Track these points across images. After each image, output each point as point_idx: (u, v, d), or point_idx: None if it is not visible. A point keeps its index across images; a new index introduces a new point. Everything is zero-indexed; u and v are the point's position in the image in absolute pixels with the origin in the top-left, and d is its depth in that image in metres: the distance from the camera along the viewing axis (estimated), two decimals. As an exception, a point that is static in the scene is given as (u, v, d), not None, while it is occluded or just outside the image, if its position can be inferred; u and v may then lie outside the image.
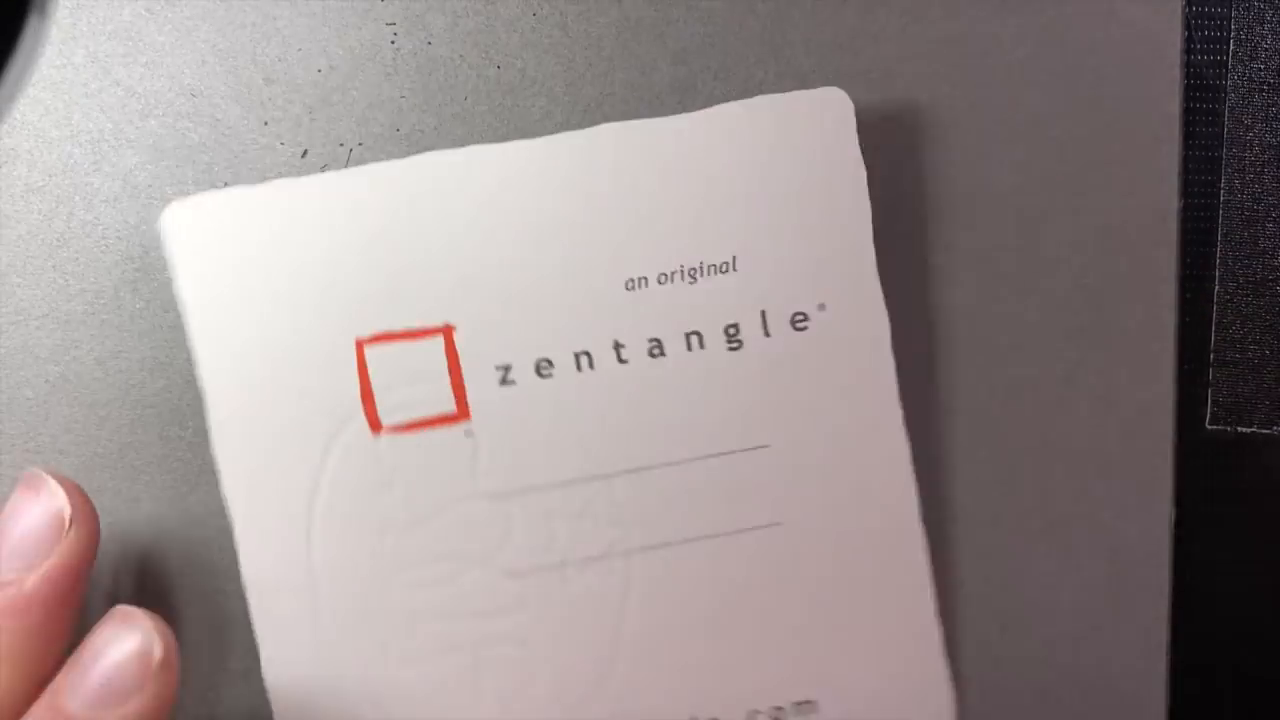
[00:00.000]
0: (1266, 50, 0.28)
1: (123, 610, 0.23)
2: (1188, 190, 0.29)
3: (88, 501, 0.24)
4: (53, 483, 0.24)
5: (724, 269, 0.26)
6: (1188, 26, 0.28)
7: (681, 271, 0.26)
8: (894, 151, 0.28)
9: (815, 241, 0.26)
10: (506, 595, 0.26)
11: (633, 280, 0.26)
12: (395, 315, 0.25)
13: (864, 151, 0.28)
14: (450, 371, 0.26)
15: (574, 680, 0.26)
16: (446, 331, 0.26)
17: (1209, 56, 0.29)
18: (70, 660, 0.23)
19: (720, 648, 0.27)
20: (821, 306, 0.26)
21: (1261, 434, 0.29)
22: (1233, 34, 0.28)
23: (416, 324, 0.26)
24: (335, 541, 0.26)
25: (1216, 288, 0.29)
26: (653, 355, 0.26)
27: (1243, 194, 0.29)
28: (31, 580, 0.23)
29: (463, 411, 0.26)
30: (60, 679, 0.23)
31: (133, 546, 0.27)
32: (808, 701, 0.27)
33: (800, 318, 0.26)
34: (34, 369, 0.27)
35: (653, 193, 0.26)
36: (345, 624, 0.26)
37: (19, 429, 0.27)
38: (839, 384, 0.26)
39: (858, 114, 0.27)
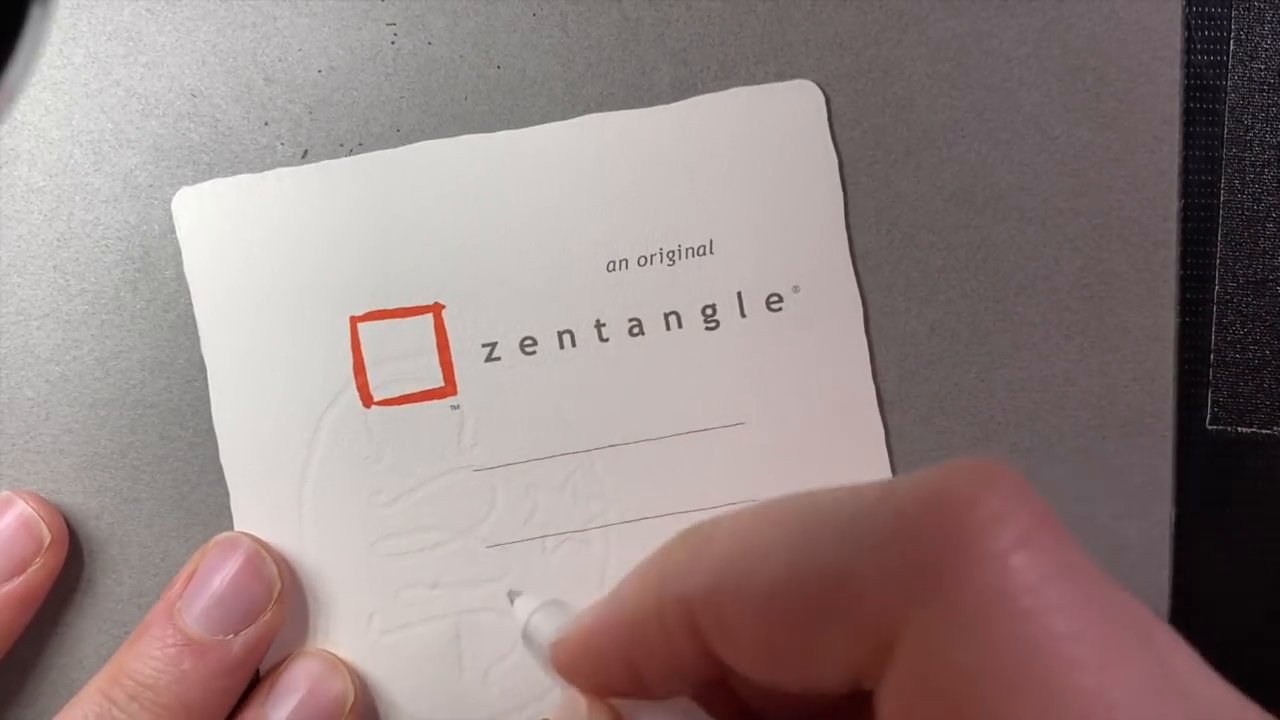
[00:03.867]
0: (1266, 50, 0.28)
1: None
2: (1188, 190, 0.29)
3: (290, 572, 0.27)
4: (264, 554, 0.26)
5: (701, 252, 0.27)
6: (1188, 26, 0.28)
7: (661, 254, 0.27)
8: (893, 151, 0.28)
9: (790, 226, 0.27)
10: (488, 565, 0.27)
11: (614, 262, 0.27)
12: (388, 294, 0.27)
13: (863, 151, 0.28)
14: (439, 348, 0.27)
15: None
16: (436, 310, 0.27)
17: (1209, 56, 0.29)
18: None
19: None
20: (796, 288, 0.27)
21: (1261, 434, 0.29)
22: (1233, 34, 0.28)
23: (408, 302, 0.27)
24: (325, 510, 0.27)
25: (1216, 288, 0.29)
26: (633, 334, 0.27)
27: (1243, 194, 0.29)
28: (238, 643, 0.25)
29: (450, 386, 0.27)
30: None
31: (133, 546, 0.27)
32: None
33: (775, 299, 0.27)
34: (35, 369, 0.27)
35: (634, 179, 0.27)
36: (331, 591, 0.27)
37: (19, 429, 0.27)
38: (814, 363, 0.27)
39: (856, 114, 0.27)
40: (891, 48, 0.27)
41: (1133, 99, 0.28)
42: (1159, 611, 0.29)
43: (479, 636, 0.27)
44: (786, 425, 0.27)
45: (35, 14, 0.15)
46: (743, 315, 0.27)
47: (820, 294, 0.27)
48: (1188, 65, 0.28)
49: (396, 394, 0.27)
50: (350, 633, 0.27)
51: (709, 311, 0.27)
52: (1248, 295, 0.29)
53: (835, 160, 0.27)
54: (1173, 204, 0.28)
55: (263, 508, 0.27)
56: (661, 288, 0.27)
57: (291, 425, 0.27)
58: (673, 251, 0.27)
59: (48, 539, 0.26)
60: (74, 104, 0.27)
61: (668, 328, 0.27)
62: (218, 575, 0.25)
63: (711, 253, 0.27)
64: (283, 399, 0.27)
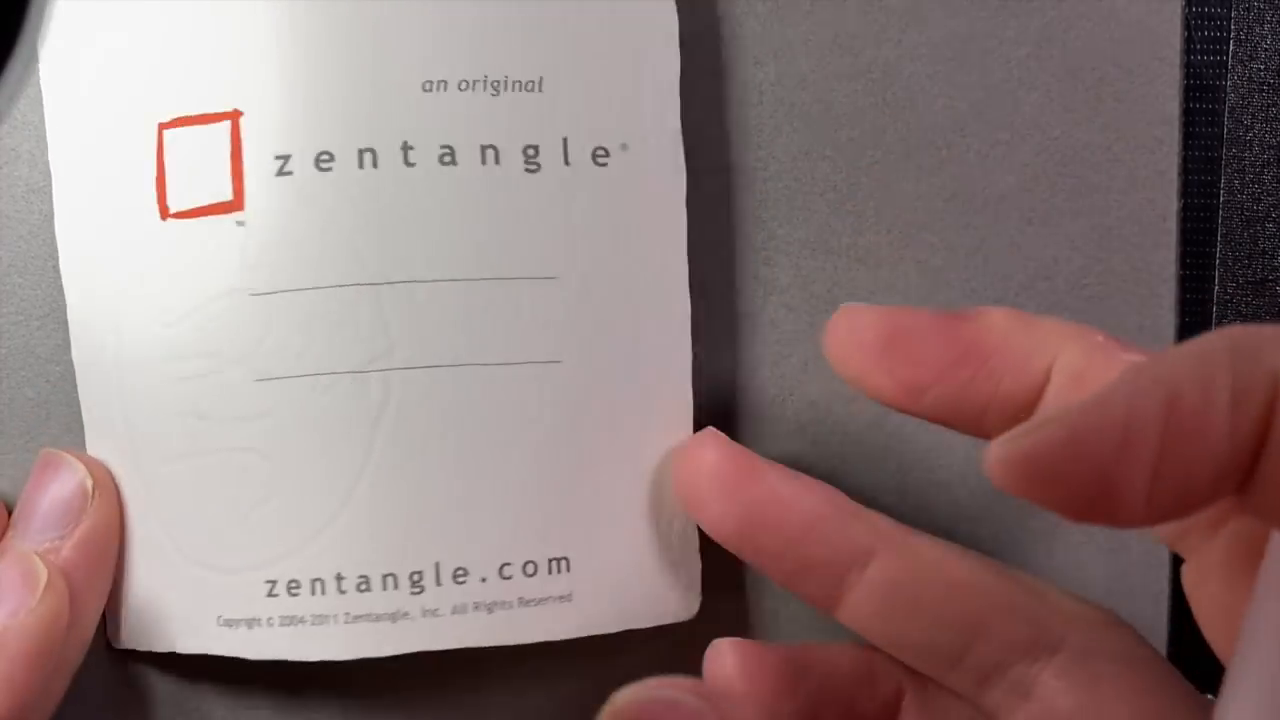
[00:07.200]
0: (1266, 50, 0.28)
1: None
2: (1188, 190, 0.29)
3: (106, 470, 0.25)
4: (69, 458, 0.25)
5: (530, 88, 0.25)
6: (1188, 26, 0.28)
7: (485, 82, 0.24)
8: (893, 151, 0.28)
9: (625, 81, 0.25)
10: (254, 401, 0.24)
11: (431, 83, 0.24)
12: (192, 99, 0.24)
13: (863, 151, 0.28)
14: (232, 158, 0.24)
15: (314, 503, 0.24)
16: (234, 117, 0.24)
17: (1209, 56, 0.29)
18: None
19: (478, 488, 0.25)
20: (624, 146, 0.25)
21: (1261, 434, 0.29)
22: (1233, 34, 0.29)
23: (208, 108, 0.24)
24: (130, 330, 0.25)
25: (1216, 288, 0.29)
26: (443, 163, 0.24)
27: (1243, 194, 0.29)
28: (66, 547, 0.24)
29: (238, 201, 0.24)
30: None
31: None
32: (562, 558, 0.25)
33: (602, 153, 0.25)
34: (34, 369, 0.27)
35: None
36: (133, 413, 0.25)
37: (19, 429, 0.27)
38: (632, 227, 0.25)
39: (856, 114, 0.27)
40: (891, 48, 0.27)
41: (1133, 99, 0.28)
42: (1157, 613, 0.28)
43: (239, 478, 0.24)
44: (598, 287, 0.25)
45: (33, 16, 0.15)
46: (566, 163, 0.25)
47: (648, 157, 0.25)
48: (1188, 65, 0.28)
49: (189, 206, 0.24)
50: (135, 458, 0.25)
51: (531, 153, 0.25)
52: (1248, 295, 0.29)
53: (675, 20, 0.26)
54: (1172, 204, 0.28)
55: (90, 323, 0.25)
56: (481, 118, 0.24)
57: (110, 239, 0.25)
58: (498, 81, 0.24)
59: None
60: (73, 104, 0.27)
61: (483, 162, 0.24)
62: (36, 493, 0.25)
63: (540, 90, 0.25)
64: (105, 208, 0.25)
